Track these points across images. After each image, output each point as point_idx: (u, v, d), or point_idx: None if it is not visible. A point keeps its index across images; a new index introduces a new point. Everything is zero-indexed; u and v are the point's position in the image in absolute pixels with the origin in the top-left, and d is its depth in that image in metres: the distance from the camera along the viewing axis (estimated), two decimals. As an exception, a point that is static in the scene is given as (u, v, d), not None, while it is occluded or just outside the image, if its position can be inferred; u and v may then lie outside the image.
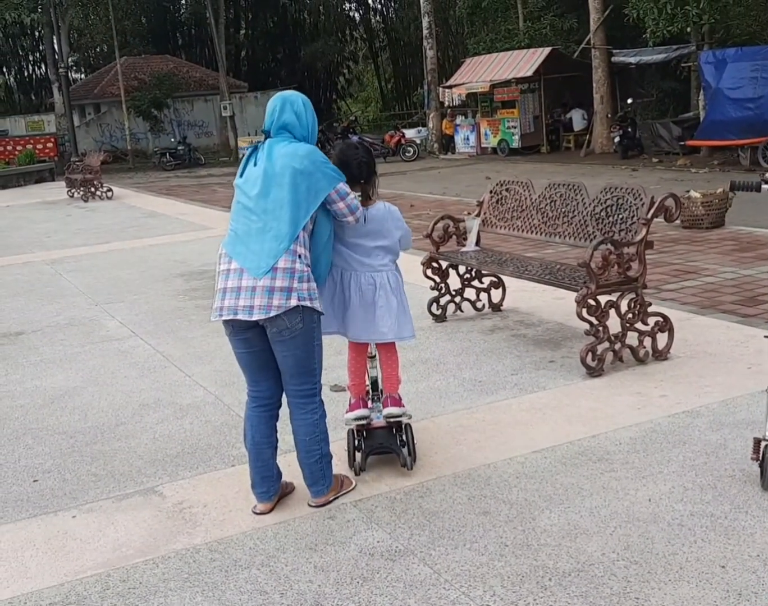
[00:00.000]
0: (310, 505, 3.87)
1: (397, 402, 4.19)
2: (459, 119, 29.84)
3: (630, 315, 5.28)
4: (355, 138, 33.26)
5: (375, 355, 4.31)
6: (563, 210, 5.98)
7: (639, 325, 5.32)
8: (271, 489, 3.90)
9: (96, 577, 3.41)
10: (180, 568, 3.43)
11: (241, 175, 3.78)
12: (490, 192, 6.87)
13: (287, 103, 3.76)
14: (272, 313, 3.60)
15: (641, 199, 5.29)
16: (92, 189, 20.00)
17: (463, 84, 28.24)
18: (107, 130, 40.85)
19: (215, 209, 17.02)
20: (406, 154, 28.87)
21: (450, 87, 28.85)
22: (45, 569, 3.51)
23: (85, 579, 3.41)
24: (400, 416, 4.16)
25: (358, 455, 4.19)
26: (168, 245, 12.23)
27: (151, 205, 18.40)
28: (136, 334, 7.23)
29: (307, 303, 3.65)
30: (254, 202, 3.67)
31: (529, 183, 6.55)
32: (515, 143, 27.03)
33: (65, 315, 8.20)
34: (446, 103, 29.44)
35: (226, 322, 3.77)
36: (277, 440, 3.93)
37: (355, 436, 4.21)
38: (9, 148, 34.17)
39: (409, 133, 30.77)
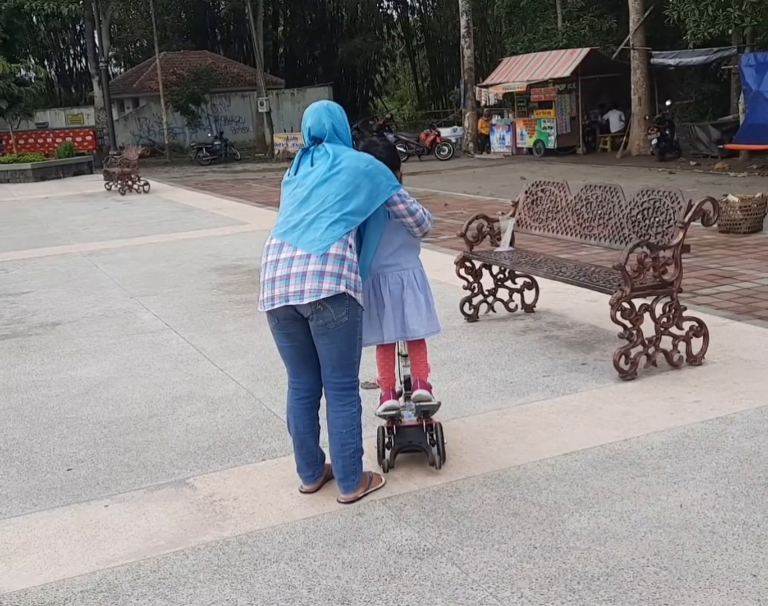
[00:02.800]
0: (339, 501, 3.88)
1: (426, 385, 4.22)
2: (495, 119, 29.74)
3: (665, 319, 5.23)
4: (390, 136, 33.27)
5: (407, 354, 4.32)
6: (599, 212, 5.94)
7: (673, 330, 5.27)
8: (316, 472, 4.02)
9: (127, 567, 3.45)
10: (210, 560, 3.46)
11: (294, 173, 3.90)
12: (526, 192, 6.84)
13: (332, 110, 3.96)
14: (322, 296, 3.65)
15: (678, 203, 5.24)
16: (129, 182, 20.22)
17: (500, 83, 28.13)
18: (145, 124, 41.26)
19: (251, 205, 17.14)
20: (441, 152, 28.81)
21: (487, 86, 28.76)
22: (77, 557, 3.56)
23: (116, 568, 3.45)
24: (429, 400, 4.17)
25: (388, 452, 4.19)
26: (203, 239, 12.32)
27: (186, 200, 18.55)
28: (170, 327, 7.30)
29: (353, 293, 3.74)
30: (313, 195, 3.76)
31: (565, 184, 6.52)
32: (551, 144, 26.89)
33: (101, 306, 8.30)
34: (482, 103, 29.34)
35: (271, 313, 3.83)
36: (319, 428, 4.01)
37: (385, 433, 4.22)
38: (49, 140, 34.70)
39: (445, 131, 30.75)
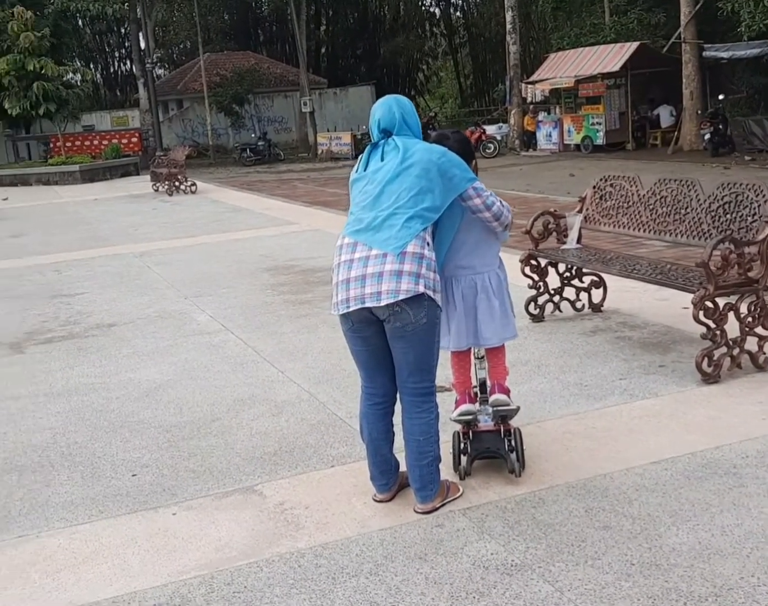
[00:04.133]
0: (416, 511, 3.71)
1: (505, 389, 4.06)
2: (541, 115, 29.36)
3: (750, 319, 4.97)
4: (434, 133, 33.11)
5: (483, 356, 4.13)
6: (675, 207, 5.68)
7: (759, 330, 5.01)
8: (390, 481, 3.84)
9: (200, 579, 3.31)
10: (285, 573, 3.30)
11: (364, 169, 3.73)
12: (594, 187, 6.60)
13: (402, 102, 3.79)
14: (401, 297, 3.47)
15: (764, 196, 4.97)
16: (176, 183, 20.26)
17: (546, 79, 27.75)
18: (189, 125, 41.48)
19: (298, 204, 17.04)
20: (487, 150, 28.51)
21: (533, 82, 28.40)
22: (147, 568, 3.43)
23: (188, 580, 3.31)
24: (507, 404, 4.01)
25: (464, 459, 4.00)
26: (253, 240, 12.23)
27: (233, 200, 18.53)
28: (226, 329, 7.18)
29: (432, 293, 3.55)
30: (386, 191, 3.60)
31: (637, 178, 6.26)
32: (599, 140, 26.45)
33: (155, 308, 8.22)
34: (528, 99, 28.98)
35: (345, 316, 3.66)
36: (393, 434, 3.83)
37: (461, 438, 4.04)
38: (95, 142, 35.00)
39: (490, 129, 30.42)
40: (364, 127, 37.07)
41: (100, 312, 8.23)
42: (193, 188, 20.21)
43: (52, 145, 34.02)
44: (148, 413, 5.25)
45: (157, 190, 21.07)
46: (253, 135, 37.26)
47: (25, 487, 4.28)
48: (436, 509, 3.70)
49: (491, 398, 4.07)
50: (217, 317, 7.62)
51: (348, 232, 3.69)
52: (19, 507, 4.06)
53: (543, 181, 19.40)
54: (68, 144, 32.34)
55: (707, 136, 22.46)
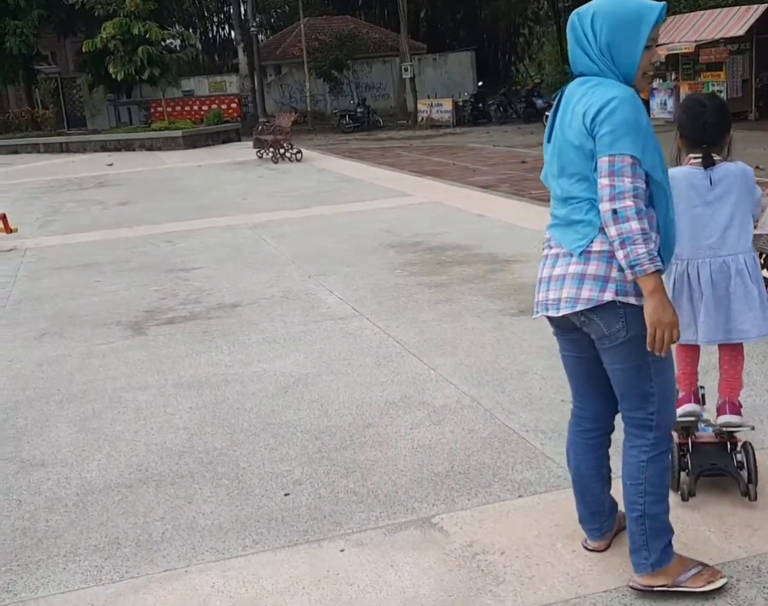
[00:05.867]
0: (630, 586, 2.88)
1: (737, 409, 3.52)
2: (656, 82, 27.84)
3: None
4: (540, 101, 31.90)
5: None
6: None
7: None
8: (604, 526, 3.11)
9: (390, 648, 2.71)
10: (494, 647, 2.68)
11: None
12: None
13: (591, 15, 2.73)
14: (579, 308, 2.73)
15: None
16: (281, 150, 19.79)
17: (663, 44, 26.23)
18: (287, 91, 41.11)
19: (406, 174, 16.37)
20: (596, 118, 27.21)
21: (647, 48, 26.93)
22: (322, 626, 2.85)
23: (375, 648, 2.72)
24: (739, 426, 3.48)
25: (683, 475, 3.42)
26: (369, 212, 11.61)
27: (340, 169, 17.95)
28: (360, 314, 6.58)
29: (632, 300, 2.70)
30: (551, 169, 2.87)
31: None
32: (719, 109, 24.92)
33: (279, 287, 7.68)
34: (642, 66, 27.52)
35: (549, 319, 2.95)
36: (609, 470, 3.12)
37: (680, 451, 3.46)
38: (195, 107, 35.00)
39: (599, 97, 29.03)
40: (466, 93, 36.11)
41: (221, 289, 7.74)
42: (299, 156, 19.72)
43: (152, 110, 34.15)
44: (291, 414, 4.68)
45: (261, 158, 20.67)
46: (351, 101, 36.70)
47: (165, 504, 3.76)
48: (652, 590, 2.84)
49: (720, 419, 3.51)
50: (347, 299, 7.03)
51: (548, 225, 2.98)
52: (161, 529, 3.54)
53: (664, 150, 18.19)
54: (169, 109, 32.32)
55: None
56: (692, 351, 3.62)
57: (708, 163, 3.40)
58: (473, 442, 4.16)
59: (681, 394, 3.56)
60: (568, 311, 2.77)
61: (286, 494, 3.76)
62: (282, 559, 3.25)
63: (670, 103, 26.95)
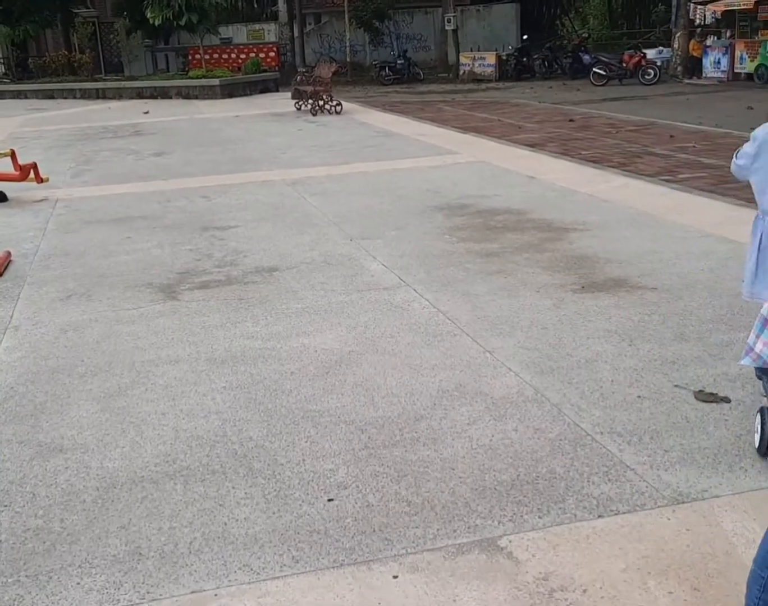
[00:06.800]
0: None
1: None
2: (710, 40, 26.75)
3: None
4: (587, 57, 30.85)
5: None
6: None
7: None
8: None
9: None
10: None
11: None
12: None
13: None
14: None
15: None
16: (321, 102, 19.19)
17: (721, -1, 25.17)
18: (326, 41, 40.24)
19: (450, 130, 15.74)
20: (646, 76, 26.23)
21: (704, 3, 25.81)
22: (374, 676, 2.42)
23: None
24: None
25: None
26: (414, 170, 11.05)
27: (382, 123, 17.33)
28: (406, 284, 6.10)
29: None
30: None
31: None
32: (776, 69, 23.87)
33: (319, 250, 7.20)
34: (697, 21, 26.41)
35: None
36: None
37: None
38: (233, 56, 34.32)
39: (650, 53, 27.97)
40: (510, 47, 35.05)
41: (258, 251, 7.29)
42: (338, 108, 19.10)
43: (190, 58, 33.55)
44: (334, 400, 4.23)
45: (299, 109, 20.08)
46: (392, 53, 35.80)
47: (195, 505, 3.33)
48: None
49: None
50: (392, 267, 6.55)
51: None
52: (189, 537, 3.12)
53: (717, 114, 17.40)
54: (206, 56, 31.67)
55: None
56: None
57: None
58: (540, 444, 3.68)
59: None
60: None
61: (329, 500, 3.32)
62: (326, 585, 2.82)
63: (724, 61, 25.89)
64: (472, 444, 3.71)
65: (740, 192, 9.31)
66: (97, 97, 27.71)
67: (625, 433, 3.74)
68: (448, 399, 4.18)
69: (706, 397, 4.02)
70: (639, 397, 4.08)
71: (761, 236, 3.54)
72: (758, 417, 3.47)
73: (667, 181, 10.02)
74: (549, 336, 4.94)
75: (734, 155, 3.81)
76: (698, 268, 6.13)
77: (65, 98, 28.10)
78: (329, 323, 5.36)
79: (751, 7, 23.94)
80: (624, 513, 3.13)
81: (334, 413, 4.09)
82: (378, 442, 3.77)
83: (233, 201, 9.62)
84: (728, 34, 26.25)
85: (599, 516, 3.12)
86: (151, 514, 3.29)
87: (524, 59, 32.06)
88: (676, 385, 4.18)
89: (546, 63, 32.53)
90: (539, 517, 3.13)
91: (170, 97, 26.59)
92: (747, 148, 3.71)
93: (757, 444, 3.47)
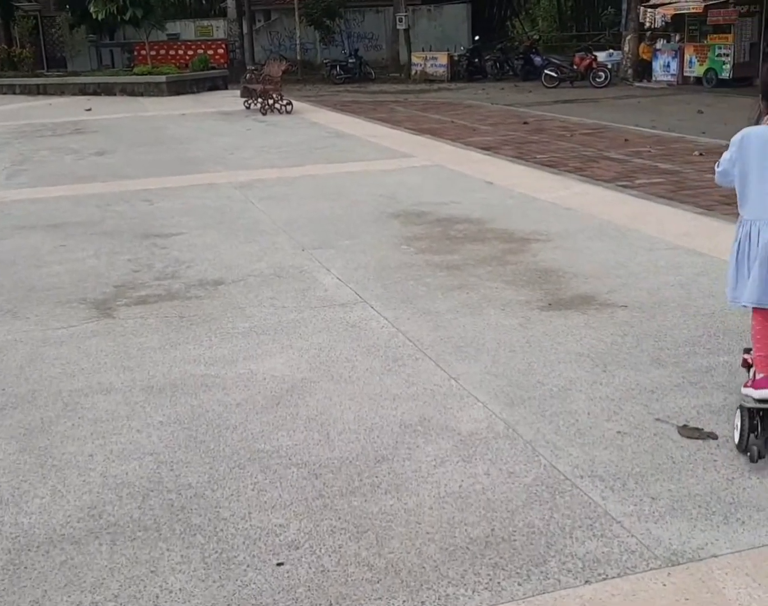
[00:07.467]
0: None
1: None
2: (660, 43, 26.83)
3: None
4: (538, 59, 30.74)
5: None
6: None
7: None
8: None
9: None
10: None
11: None
12: None
13: None
14: None
15: None
16: (271, 101, 18.67)
17: (670, 3, 25.20)
18: (276, 38, 39.65)
19: (403, 132, 15.38)
20: (597, 79, 26.24)
21: (654, 6, 25.84)
22: None
23: None
24: None
25: (752, 437, 3.42)
26: (368, 174, 10.64)
27: (333, 123, 16.88)
28: (363, 300, 5.69)
29: None
30: None
31: None
32: (725, 73, 24.02)
33: (268, 261, 6.76)
34: (647, 25, 26.43)
35: None
36: None
37: (752, 413, 3.43)
38: (180, 52, 33.54)
39: (600, 56, 27.95)
40: (462, 48, 34.80)
41: (202, 262, 6.82)
42: (289, 108, 18.61)
43: (136, 54, 32.71)
44: (284, 438, 3.80)
45: (248, 108, 19.52)
46: (343, 51, 35.39)
47: (122, 572, 2.88)
48: None
49: None
50: (347, 281, 6.13)
51: None
52: (114, 615, 2.67)
53: (668, 117, 17.36)
54: (153, 53, 30.88)
55: None
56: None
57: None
58: (515, 490, 3.30)
59: (759, 376, 3.48)
60: None
61: (279, 564, 2.90)
62: (275, 677, 2.40)
63: (674, 65, 25.96)
64: (440, 491, 3.32)
65: (699, 199, 9.11)
66: (38, 93, 26.80)
67: (607, 476, 3.38)
68: (412, 435, 3.78)
69: (691, 432, 3.69)
70: (619, 432, 3.73)
71: (740, 241, 3.54)
72: (738, 413, 3.51)
73: (625, 186, 9.78)
74: (517, 360, 4.57)
75: (716, 165, 3.75)
76: (668, 283, 5.82)
77: (4, 94, 27.14)
78: (279, 345, 4.93)
79: (701, 11, 24.05)
80: (614, 577, 2.76)
81: (284, 454, 3.66)
82: (334, 490, 3.36)
83: (177, 205, 9.11)
84: (677, 37, 26.33)
85: (586, 581, 2.75)
86: (70, 583, 2.83)
87: (476, 60, 31.88)
88: (657, 419, 3.84)
89: (498, 64, 32.37)
90: (519, 584, 2.75)
91: (114, 94, 25.82)
92: (726, 155, 3.64)
93: (737, 441, 3.50)
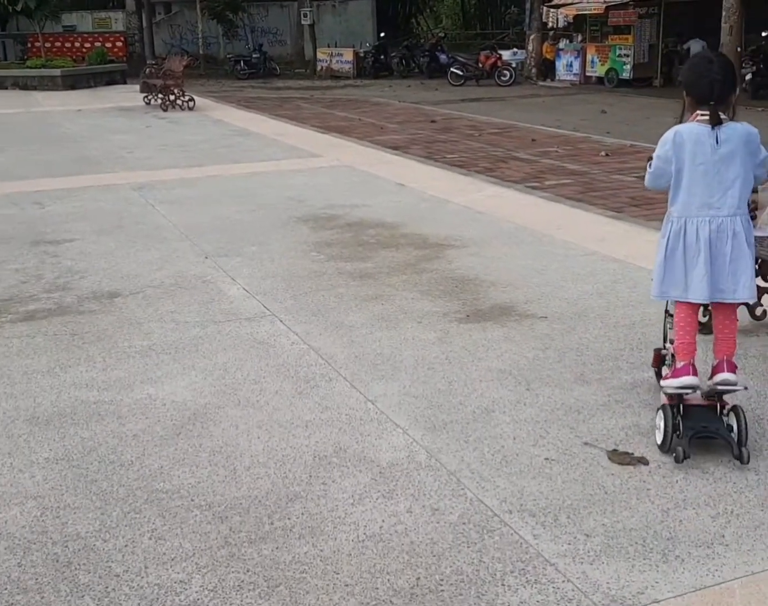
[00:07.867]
0: None
1: (734, 368, 3.55)
2: (562, 43, 27.19)
3: None
4: (443, 56, 30.75)
5: (706, 322, 4.00)
6: None
7: None
8: None
9: None
10: None
11: None
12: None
13: None
14: None
15: None
16: (172, 97, 18.03)
17: (572, 3, 25.57)
18: (178, 32, 38.56)
19: (310, 130, 15.03)
20: (502, 77, 26.44)
21: (556, 6, 26.17)
22: None
23: None
24: (734, 385, 3.53)
25: (676, 438, 3.43)
26: (275, 175, 10.26)
27: (238, 120, 16.39)
28: (271, 313, 5.36)
29: None
30: None
31: None
32: (625, 73, 24.51)
33: (169, 270, 6.34)
34: (549, 25, 26.75)
35: None
36: None
37: (674, 412, 3.49)
38: (77, 44, 32.29)
39: (505, 55, 28.14)
40: (367, 44, 34.57)
41: (97, 271, 6.35)
42: (191, 104, 18.00)
43: (29, 46, 31.30)
44: (186, 475, 3.45)
45: (149, 104, 18.81)
46: (247, 46, 34.71)
47: (-3, 648, 2.51)
48: None
49: (717, 377, 3.53)
50: (254, 292, 5.79)
51: None
52: None
53: (572, 117, 17.52)
54: (47, 45, 29.61)
55: (749, 77, 20.63)
56: (691, 318, 3.58)
57: (715, 122, 3.40)
58: (440, 531, 3.04)
59: (680, 365, 3.52)
60: None
61: (180, 630, 2.57)
62: None
63: (576, 65, 26.33)
64: (359, 533, 3.03)
65: (608, 201, 9.08)
66: None
67: (538, 511, 3.15)
68: (327, 468, 3.48)
69: (621, 458, 3.50)
70: (547, 459, 3.52)
71: (669, 238, 3.56)
72: (659, 414, 3.55)
73: (534, 188, 9.68)
74: (437, 378, 4.32)
75: (647, 166, 3.70)
76: (586, 292, 5.68)
77: None
78: (181, 366, 4.56)
79: (602, 12, 24.44)
80: (557, 633, 2.53)
81: (186, 493, 3.31)
82: (242, 536, 3.03)
83: (71, 209, 8.56)
84: (579, 38, 26.72)
85: (524, 639, 2.51)
86: (-66, 666, 2.44)
87: (382, 57, 31.71)
88: (586, 443, 3.65)
89: (404, 61, 32.27)
90: (450, 645, 2.49)
91: (6, 88, 24.62)
92: (659, 152, 3.58)
93: (659, 442, 3.52)
